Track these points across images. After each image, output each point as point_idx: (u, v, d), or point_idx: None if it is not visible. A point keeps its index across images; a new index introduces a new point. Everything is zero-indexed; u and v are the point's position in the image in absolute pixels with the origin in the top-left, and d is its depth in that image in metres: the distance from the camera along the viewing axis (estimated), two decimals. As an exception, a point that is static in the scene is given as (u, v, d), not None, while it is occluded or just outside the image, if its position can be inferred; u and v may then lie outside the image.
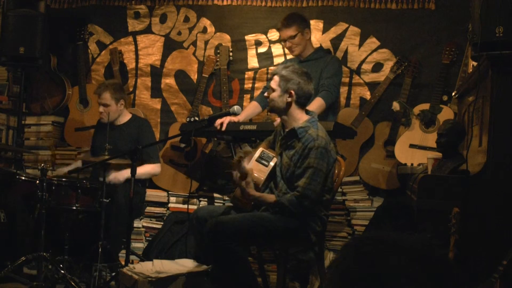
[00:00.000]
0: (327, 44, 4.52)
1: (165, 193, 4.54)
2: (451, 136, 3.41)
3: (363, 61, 4.51)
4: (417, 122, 4.16)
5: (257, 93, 4.53)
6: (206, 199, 4.46)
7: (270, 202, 3.12)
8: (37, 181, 3.50)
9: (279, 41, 4.22)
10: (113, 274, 3.58)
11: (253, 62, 4.72)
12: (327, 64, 3.97)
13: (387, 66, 4.44)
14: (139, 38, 4.93)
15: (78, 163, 4.36)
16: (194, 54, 4.83)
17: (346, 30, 4.54)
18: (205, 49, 4.81)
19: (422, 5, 4.39)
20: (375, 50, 4.49)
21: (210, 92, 4.77)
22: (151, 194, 4.47)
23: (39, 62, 4.52)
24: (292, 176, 3.10)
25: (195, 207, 4.31)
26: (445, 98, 4.22)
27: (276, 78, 3.15)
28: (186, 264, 3.23)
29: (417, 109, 4.19)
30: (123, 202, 3.82)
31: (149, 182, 4.52)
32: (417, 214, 3.06)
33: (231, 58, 4.71)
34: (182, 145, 4.62)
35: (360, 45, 4.52)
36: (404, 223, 3.52)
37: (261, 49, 4.71)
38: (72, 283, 3.42)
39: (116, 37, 4.97)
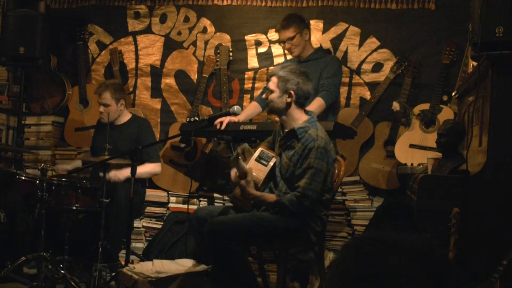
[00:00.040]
0: (327, 44, 4.52)
1: (165, 193, 4.53)
2: (451, 136, 3.41)
3: (363, 61, 4.50)
4: (417, 122, 4.16)
5: (257, 93, 4.53)
6: (206, 199, 4.46)
7: (270, 202, 3.12)
8: (37, 181, 3.50)
9: (278, 41, 4.21)
10: (113, 274, 3.58)
11: (253, 62, 4.72)
12: (327, 64, 3.97)
13: (387, 66, 4.43)
14: (139, 38, 4.93)
15: (78, 163, 4.37)
16: (194, 54, 4.83)
17: (346, 30, 4.54)
18: (205, 49, 4.80)
19: (422, 5, 4.39)
20: (375, 50, 4.49)
21: (210, 92, 4.77)
22: (151, 194, 4.47)
23: (39, 62, 4.52)
24: (291, 176, 3.10)
25: (195, 207, 4.31)
26: (445, 98, 4.22)
27: (274, 79, 3.14)
28: (186, 264, 3.22)
29: (417, 109, 4.18)
30: (123, 202, 3.82)
31: (149, 182, 4.52)
32: (417, 214, 3.06)
33: (231, 58, 4.71)
34: (182, 145, 4.62)
35: (360, 45, 4.51)
36: (404, 223, 3.52)
37: (261, 49, 4.71)
38: (72, 283, 3.42)
39: (116, 37, 4.97)
